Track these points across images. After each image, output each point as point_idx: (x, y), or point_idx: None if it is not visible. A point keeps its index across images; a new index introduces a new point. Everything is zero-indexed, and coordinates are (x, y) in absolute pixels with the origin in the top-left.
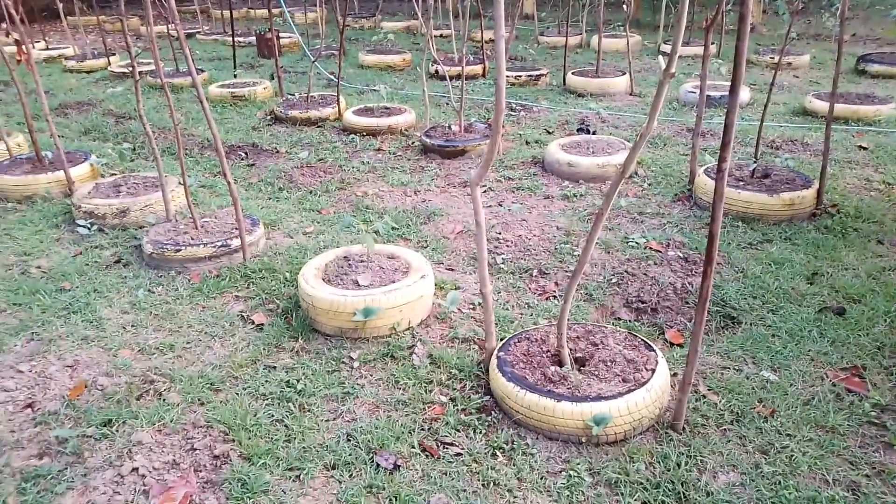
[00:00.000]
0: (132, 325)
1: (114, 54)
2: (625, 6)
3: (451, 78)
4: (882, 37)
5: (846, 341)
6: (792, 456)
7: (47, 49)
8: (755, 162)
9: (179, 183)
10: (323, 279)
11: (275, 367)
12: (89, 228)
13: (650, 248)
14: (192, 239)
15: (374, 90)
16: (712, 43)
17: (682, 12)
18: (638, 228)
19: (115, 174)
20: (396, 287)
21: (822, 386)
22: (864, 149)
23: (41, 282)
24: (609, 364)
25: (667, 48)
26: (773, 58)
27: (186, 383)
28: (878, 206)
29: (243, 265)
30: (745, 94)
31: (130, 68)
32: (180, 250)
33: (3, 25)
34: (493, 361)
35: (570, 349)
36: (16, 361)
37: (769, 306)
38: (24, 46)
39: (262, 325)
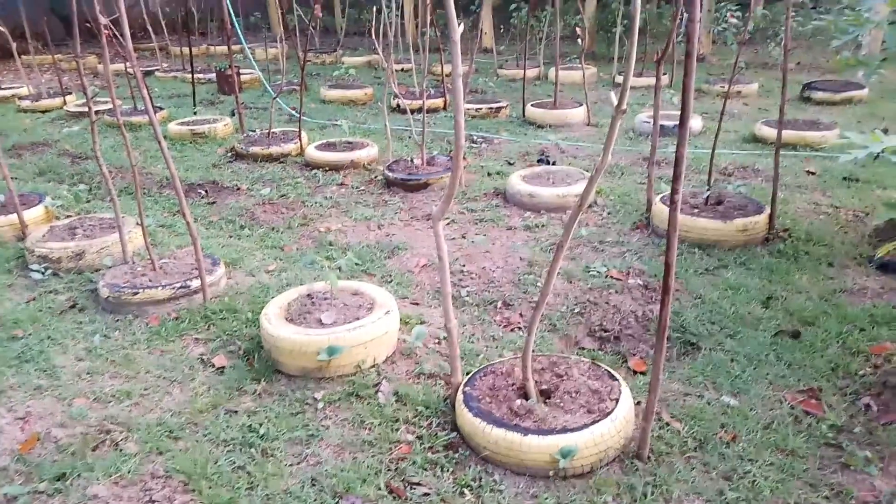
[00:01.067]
0: (88, 373)
1: (70, 93)
2: (579, 40)
3: (413, 111)
4: (825, 65)
5: (802, 364)
6: (754, 481)
7: (0, 89)
8: (709, 189)
9: (137, 223)
10: (286, 318)
11: (236, 412)
12: (43, 273)
13: (611, 277)
14: (150, 281)
15: (337, 125)
16: (664, 74)
17: (632, 52)
18: (599, 257)
19: (71, 216)
20: (361, 324)
21: (781, 409)
22: (812, 174)
23: None
24: (574, 395)
25: (622, 79)
26: (722, 87)
27: (144, 432)
28: (827, 230)
29: (203, 306)
30: (697, 123)
31: (87, 108)
32: (138, 293)
33: None
34: (460, 397)
35: (536, 381)
36: None
37: (727, 331)
38: None
39: (223, 367)
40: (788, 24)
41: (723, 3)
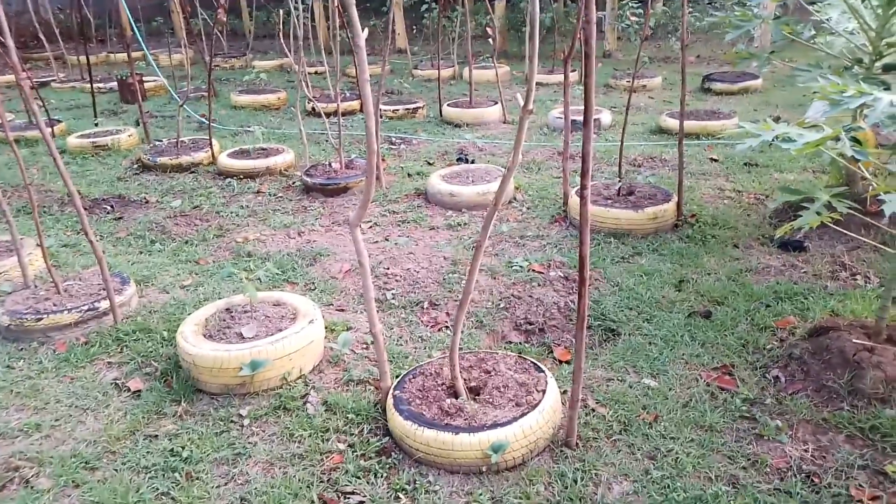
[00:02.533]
0: None
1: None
2: (490, 40)
3: (329, 114)
4: (722, 58)
5: (714, 342)
6: (677, 458)
7: None
8: (620, 180)
9: (38, 245)
10: (204, 335)
11: (156, 436)
12: None
13: (533, 271)
14: (55, 305)
15: (250, 131)
16: (573, 70)
17: (533, 54)
18: (520, 252)
19: None
20: (284, 335)
21: (698, 387)
22: (716, 160)
23: None
24: (502, 390)
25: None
26: (628, 81)
27: (57, 465)
28: (731, 213)
29: (115, 328)
30: (606, 117)
31: None
32: (42, 319)
33: None
34: (390, 401)
35: (465, 379)
36: None
37: (644, 315)
38: None
39: (140, 391)
40: (685, 20)
41: (625, 2)
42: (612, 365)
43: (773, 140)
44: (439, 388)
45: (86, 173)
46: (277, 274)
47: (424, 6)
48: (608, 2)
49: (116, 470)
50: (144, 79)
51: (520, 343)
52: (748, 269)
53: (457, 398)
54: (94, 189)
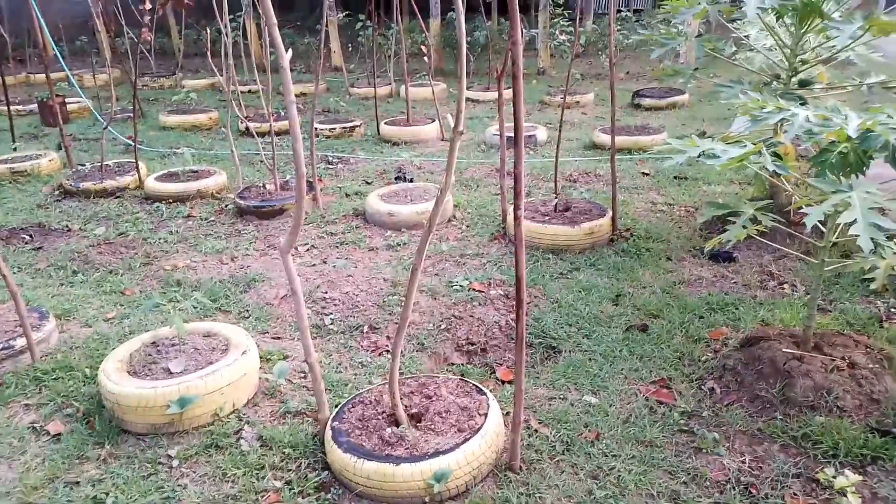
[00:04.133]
0: None
1: None
2: (426, 58)
3: (262, 134)
4: (651, 74)
5: (652, 356)
6: (619, 476)
7: None
8: (556, 196)
9: None
10: (128, 372)
11: (78, 483)
12: None
13: (473, 290)
14: None
15: (179, 153)
16: (507, 88)
17: (462, 78)
18: (461, 271)
19: None
20: (215, 368)
21: (637, 402)
22: (647, 175)
23: None
24: (444, 415)
25: (470, 94)
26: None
27: None
28: (664, 226)
29: (32, 367)
30: (542, 133)
31: None
32: None
33: None
34: (328, 433)
35: (405, 406)
36: None
37: (584, 331)
38: None
39: (60, 434)
40: (612, 39)
41: (556, 20)
42: (553, 383)
43: (698, 156)
44: (380, 417)
45: (3, 201)
46: (209, 303)
47: (360, 24)
48: (541, 20)
49: None
50: (67, 100)
51: (462, 364)
52: (682, 282)
53: (398, 426)
54: (12, 218)
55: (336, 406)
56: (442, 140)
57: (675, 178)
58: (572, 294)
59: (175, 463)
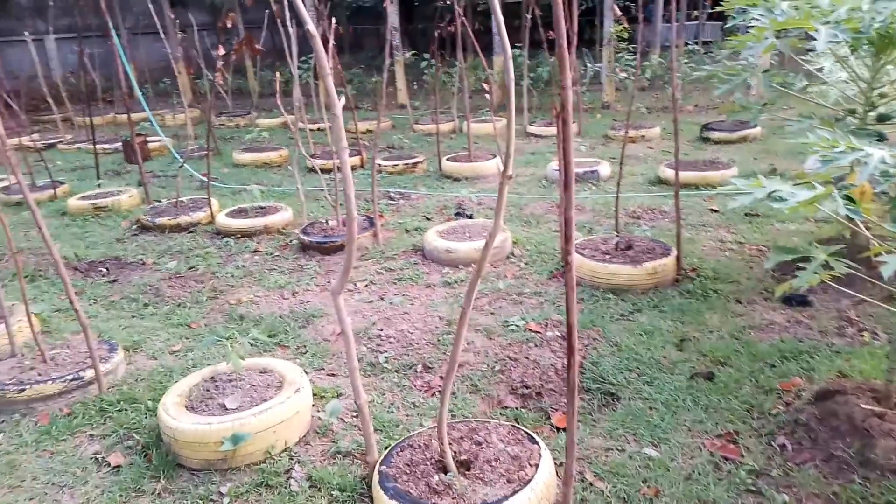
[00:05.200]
0: None
1: None
2: (487, 95)
3: (328, 171)
4: (719, 108)
5: (718, 406)
6: None
7: None
8: (617, 235)
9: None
10: (186, 407)
11: None
12: None
13: (530, 330)
14: (39, 375)
15: (249, 189)
16: (573, 122)
17: (510, 121)
18: (517, 310)
19: None
20: (268, 406)
21: (701, 457)
22: (716, 211)
23: None
24: (494, 464)
25: (533, 129)
26: (627, 131)
27: None
28: (733, 266)
29: (99, 398)
30: (605, 168)
31: None
32: (24, 389)
33: None
34: (375, 477)
35: (454, 452)
36: None
37: (645, 378)
38: None
39: (120, 466)
40: (674, 75)
41: (621, 54)
42: (611, 433)
43: (765, 198)
44: (428, 462)
45: (85, 235)
46: (268, 338)
47: (424, 62)
48: (605, 55)
49: None
50: (149, 139)
51: (516, 408)
52: (751, 326)
53: (446, 473)
54: (92, 251)
55: (386, 448)
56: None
57: (745, 214)
58: (633, 337)
59: (226, 501)
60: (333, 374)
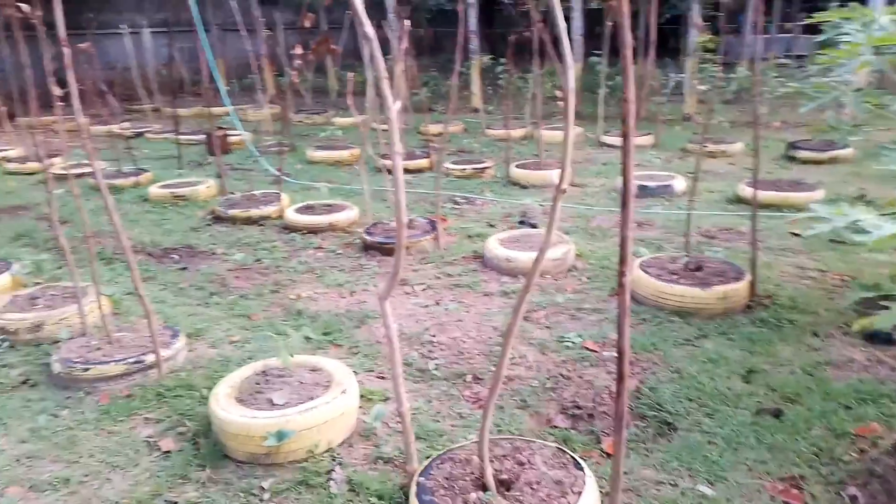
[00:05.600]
0: (28, 457)
1: (58, 156)
2: (560, 103)
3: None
4: (809, 127)
5: (783, 447)
6: None
7: None
8: (686, 255)
9: (102, 293)
10: (236, 399)
11: (177, 503)
12: None
13: (586, 348)
14: (104, 356)
15: (317, 187)
16: (649, 134)
17: (568, 132)
18: (575, 326)
19: (41, 284)
20: (314, 405)
21: (760, 501)
22: (798, 236)
23: None
24: (535, 487)
25: (607, 139)
26: (705, 146)
27: None
28: (812, 296)
29: (158, 383)
30: (679, 183)
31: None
32: (89, 369)
33: None
34: (413, 489)
35: (496, 470)
36: None
37: (706, 409)
38: None
39: (170, 452)
40: (758, 88)
41: (705, 65)
42: (664, 465)
43: (845, 228)
44: (467, 478)
45: (162, 222)
46: (323, 336)
47: (500, 67)
48: (688, 65)
49: None
50: (230, 133)
51: (566, 429)
52: (827, 363)
53: (485, 491)
54: (167, 238)
55: (427, 458)
56: (572, 185)
57: (830, 241)
58: (696, 365)
59: (266, 496)
60: (383, 378)
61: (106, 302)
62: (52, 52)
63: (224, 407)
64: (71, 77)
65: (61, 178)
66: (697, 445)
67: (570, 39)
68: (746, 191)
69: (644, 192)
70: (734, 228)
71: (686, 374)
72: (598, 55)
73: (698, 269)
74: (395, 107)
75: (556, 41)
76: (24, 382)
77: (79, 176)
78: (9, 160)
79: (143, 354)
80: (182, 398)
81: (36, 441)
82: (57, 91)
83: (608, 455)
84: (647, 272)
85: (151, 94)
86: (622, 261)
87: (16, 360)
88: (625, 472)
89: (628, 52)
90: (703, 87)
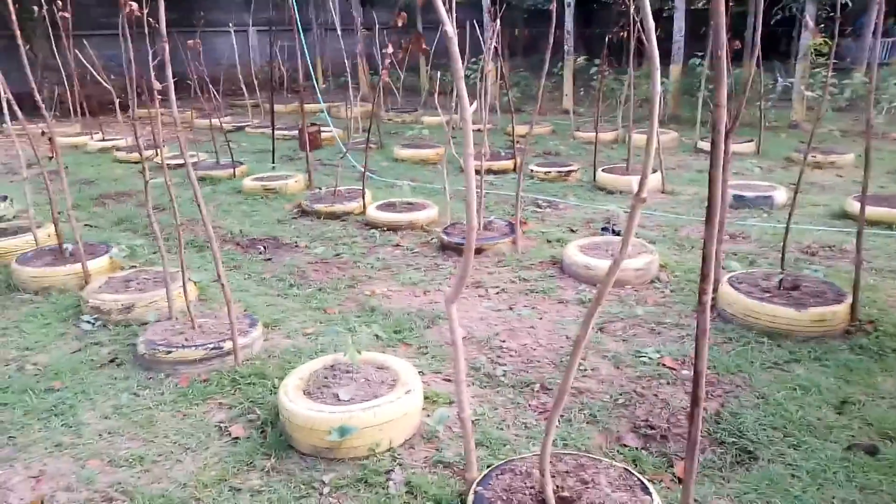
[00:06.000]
0: (109, 433)
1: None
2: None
3: (478, 172)
4: None
5: (877, 488)
6: None
7: (103, 140)
8: (782, 272)
9: (189, 279)
10: (304, 391)
11: (240, 490)
12: (93, 324)
13: (664, 365)
14: (186, 340)
15: (399, 185)
16: (750, 141)
17: (651, 139)
18: (653, 341)
19: (136, 267)
20: (378, 403)
21: None
22: None
23: (33, 380)
24: None
25: (703, 145)
26: (813, 156)
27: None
28: None
29: (233, 370)
30: (781, 194)
31: (155, 160)
32: (171, 352)
33: (42, 124)
34: (470, 497)
35: (557, 486)
36: None
37: (791, 440)
38: (53, 141)
39: (239, 438)
40: (871, 98)
41: (817, 70)
42: (741, 496)
43: None
44: (526, 492)
45: (252, 213)
46: (394, 334)
47: (594, 69)
48: (799, 69)
49: None
50: (323, 129)
51: (636, 448)
52: None
53: None
54: (256, 229)
55: (488, 466)
56: (661, 192)
57: None
58: (784, 391)
59: (326, 490)
60: (449, 380)
61: (193, 288)
62: (156, 47)
63: (292, 399)
64: (168, 72)
65: (160, 168)
66: (779, 478)
67: (672, 40)
68: (854, 205)
69: (740, 202)
70: (838, 246)
71: (772, 400)
72: (701, 57)
73: (794, 287)
74: (469, 107)
75: (658, 41)
76: (111, 361)
77: (178, 166)
78: (118, 149)
79: (222, 341)
80: (255, 386)
81: (117, 418)
82: (156, 85)
83: (680, 480)
84: (736, 288)
85: (253, 91)
86: (703, 278)
87: (106, 339)
88: (696, 501)
89: (722, 53)
90: (810, 94)
